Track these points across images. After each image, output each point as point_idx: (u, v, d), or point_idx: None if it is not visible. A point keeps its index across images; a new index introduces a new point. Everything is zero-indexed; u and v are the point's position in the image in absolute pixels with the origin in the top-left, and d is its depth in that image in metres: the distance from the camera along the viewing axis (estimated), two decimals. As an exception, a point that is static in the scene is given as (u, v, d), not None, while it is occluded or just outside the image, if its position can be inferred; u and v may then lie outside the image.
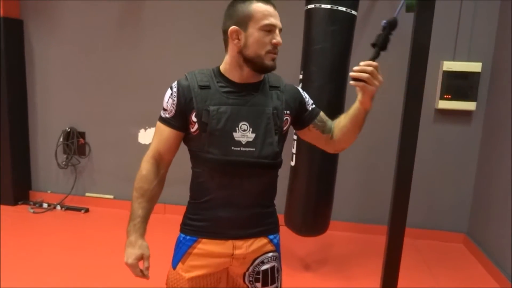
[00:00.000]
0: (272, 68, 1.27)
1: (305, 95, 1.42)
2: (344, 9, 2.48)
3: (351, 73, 1.25)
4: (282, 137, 1.34)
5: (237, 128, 1.25)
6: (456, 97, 3.34)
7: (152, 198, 1.32)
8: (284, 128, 1.35)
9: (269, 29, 1.23)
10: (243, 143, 1.25)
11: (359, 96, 1.28)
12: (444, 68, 3.30)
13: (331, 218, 2.81)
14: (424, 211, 3.57)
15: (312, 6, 2.53)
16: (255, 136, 1.26)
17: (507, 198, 2.92)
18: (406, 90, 2.03)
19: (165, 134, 1.30)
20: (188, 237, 1.34)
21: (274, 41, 1.24)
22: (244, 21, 1.24)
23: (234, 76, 1.29)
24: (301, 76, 2.65)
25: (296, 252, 3.19)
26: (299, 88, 1.43)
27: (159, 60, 3.76)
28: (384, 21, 1.32)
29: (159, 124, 1.32)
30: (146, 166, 1.32)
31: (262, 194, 1.35)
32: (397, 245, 2.17)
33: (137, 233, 1.28)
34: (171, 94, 1.29)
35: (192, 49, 3.66)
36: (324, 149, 1.47)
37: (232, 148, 1.25)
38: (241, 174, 1.28)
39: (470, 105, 3.33)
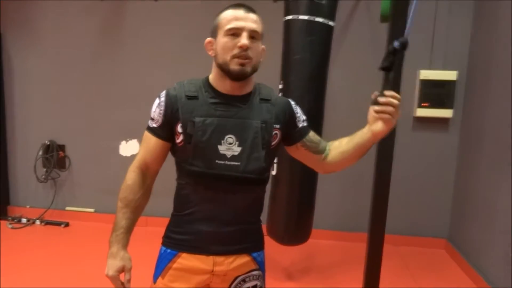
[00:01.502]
0: (240, 73, 1.20)
1: (297, 110, 1.36)
2: (321, 20, 2.53)
3: (376, 108, 1.20)
4: (271, 152, 1.29)
5: (222, 141, 1.21)
6: (433, 105, 3.41)
7: (136, 209, 1.30)
8: (273, 143, 1.29)
9: (233, 33, 1.19)
10: (228, 156, 1.21)
11: (376, 127, 1.23)
12: (421, 77, 3.38)
13: (313, 226, 2.82)
14: (405, 218, 3.61)
15: (290, 17, 2.57)
16: (241, 150, 1.22)
17: (485, 202, 2.99)
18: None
19: (152, 144, 1.29)
20: (168, 251, 1.31)
21: (239, 44, 1.18)
22: (215, 30, 1.24)
23: (221, 87, 1.26)
24: (281, 86, 2.68)
25: (279, 261, 3.18)
26: (292, 102, 1.37)
27: (139, 72, 3.75)
28: (396, 43, 1.22)
29: (146, 133, 1.30)
30: (131, 176, 1.29)
31: (247, 210, 1.31)
32: (377, 252, 2.19)
33: (119, 244, 1.26)
34: (159, 103, 1.27)
35: (173, 61, 3.66)
36: (313, 168, 1.43)
37: (216, 161, 1.21)
38: (225, 188, 1.24)
39: (447, 113, 3.40)
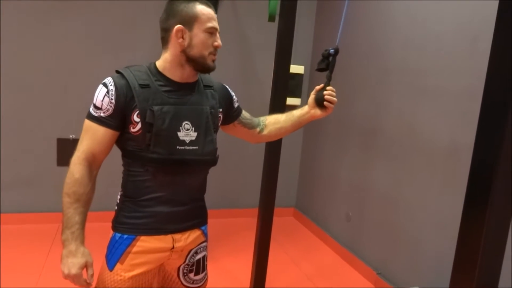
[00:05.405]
0: (213, 68, 1.33)
1: (232, 92, 1.52)
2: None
3: (326, 97, 1.50)
4: (216, 134, 1.42)
5: (180, 128, 1.28)
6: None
7: (87, 203, 1.25)
8: (219, 125, 1.45)
9: (212, 32, 1.29)
10: (187, 142, 1.29)
11: (316, 112, 1.54)
12: (277, 69, 3.85)
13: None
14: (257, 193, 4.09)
15: None
16: (197, 135, 1.32)
17: (330, 174, 3.69)
18: (272, 89, 2.39)
19: (100, 134, 1.24)
20: (125, 236, 1.31)
21: (215, 43, 1.31)
22: (189, 21, 1.26)
23: (174, 75, 1.30)
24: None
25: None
26: (227, 86, 1.52)
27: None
28: (332, 49, 1.51)
29: (90, 123, 1.24)
30: (78, 168, 1.23)
31: (198, 189, 1.43)
32: (267, 224, 2.52)
33: (77, 240, 1.20)
34: (107, 92, 1.23)
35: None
36: (247, 140, 1.64)
37: (177, 147, 1.28)
38: (184, 171, 1.32)
39: (296, 101, 3.98)
